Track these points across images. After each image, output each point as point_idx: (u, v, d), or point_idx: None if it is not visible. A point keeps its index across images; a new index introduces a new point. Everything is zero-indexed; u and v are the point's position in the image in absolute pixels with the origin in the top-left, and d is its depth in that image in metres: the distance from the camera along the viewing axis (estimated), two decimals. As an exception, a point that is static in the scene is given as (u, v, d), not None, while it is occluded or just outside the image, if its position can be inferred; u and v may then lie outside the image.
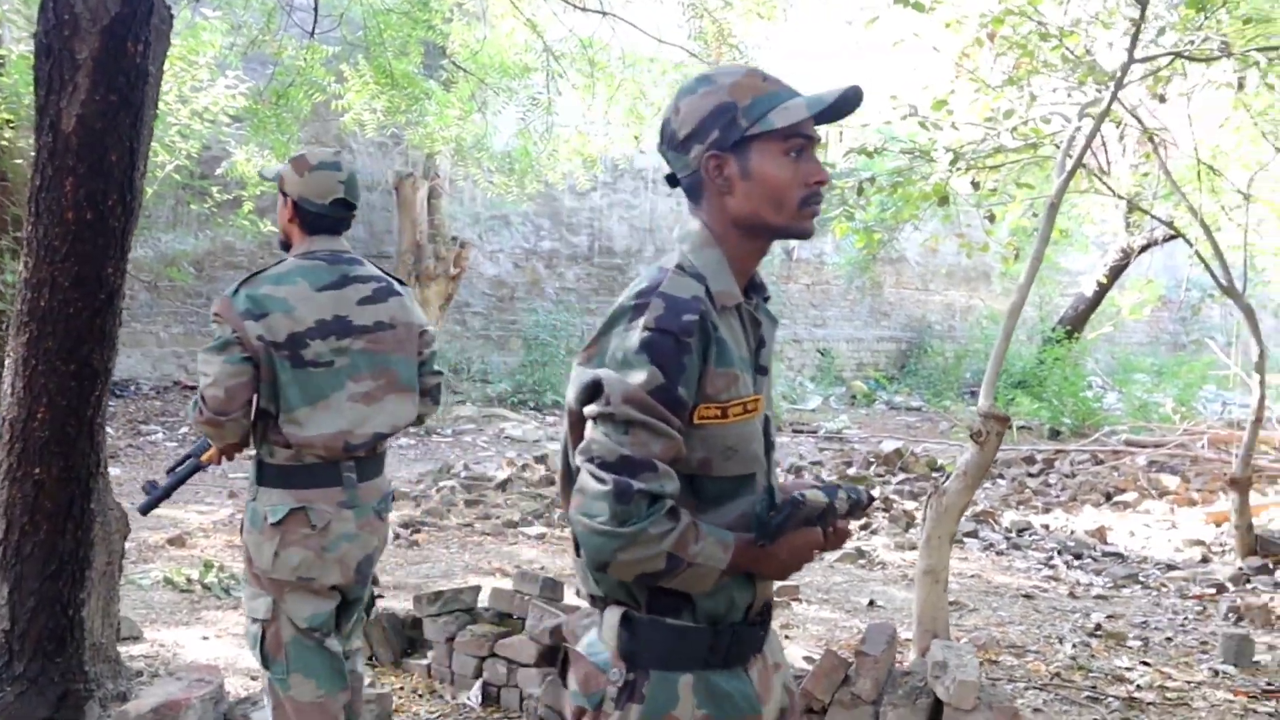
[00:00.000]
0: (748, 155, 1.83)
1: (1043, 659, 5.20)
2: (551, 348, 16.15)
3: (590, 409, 1.73)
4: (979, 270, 20.48)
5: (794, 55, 14.14)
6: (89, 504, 4.08)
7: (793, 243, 19.22)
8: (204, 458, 3.26)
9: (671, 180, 1.96)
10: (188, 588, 5.96)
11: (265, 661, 3.09)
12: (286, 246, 3.21)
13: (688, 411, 1.74)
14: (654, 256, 18.21)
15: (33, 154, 3.86)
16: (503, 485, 9.10)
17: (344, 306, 3.09)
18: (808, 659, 3.94)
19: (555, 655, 4.35)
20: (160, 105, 10.33)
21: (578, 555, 1.89)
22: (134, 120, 3.79)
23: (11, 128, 10.35)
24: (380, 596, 5.72)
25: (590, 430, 1.74)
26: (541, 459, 10.20)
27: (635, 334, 1.73)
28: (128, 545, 6.83)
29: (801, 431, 14.13)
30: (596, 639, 1.88)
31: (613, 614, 1.85)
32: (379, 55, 8.38)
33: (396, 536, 7.38)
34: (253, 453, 3.16)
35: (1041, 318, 18.85)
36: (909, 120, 6.41)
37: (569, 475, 1.88)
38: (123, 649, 4.75)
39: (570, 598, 4.88)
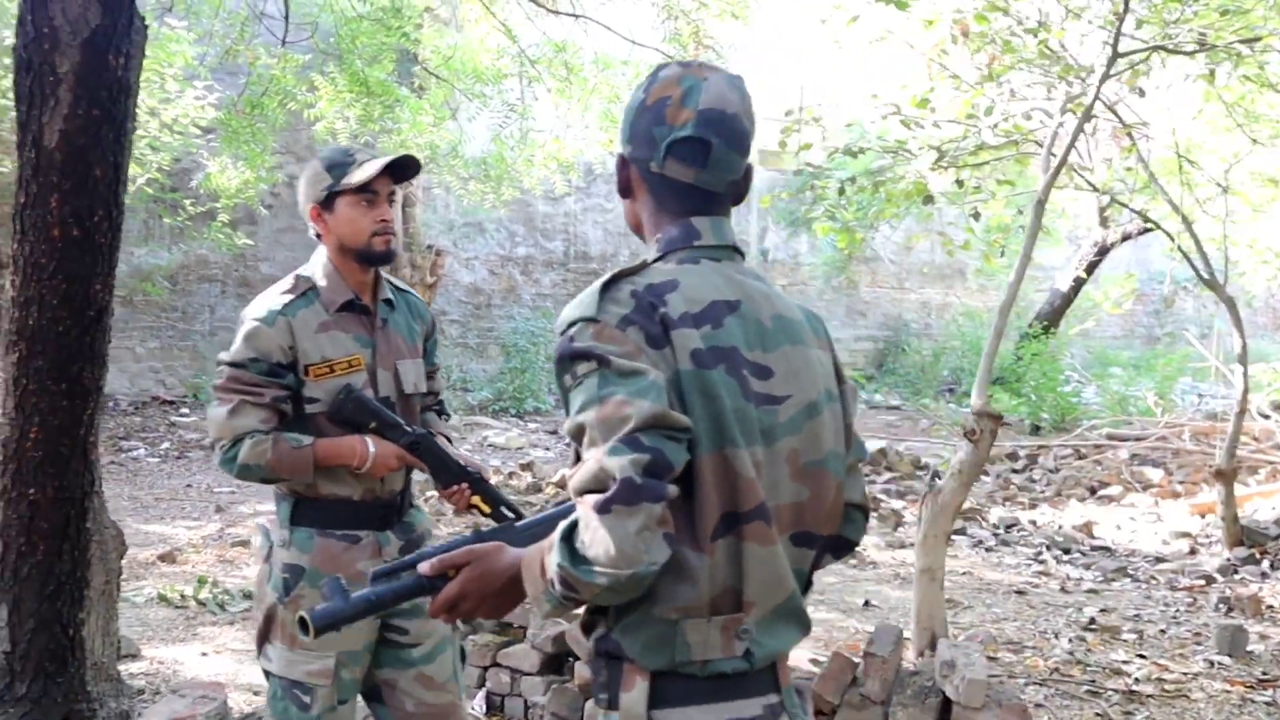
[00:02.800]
0: None
1: (1040, 654, 5.21)
2: (530, 354, 16.10)
3: None
4: (954, 267, 20.55)
5: (769, 54, 14.18)
6: (85, 523, 4.03)
7: (768, 243, 19.28)
8: None
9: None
10: (182, 604, 5.90)
11: None
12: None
13: None
14: (630, 260, 18.12)
15: (15, 170, 3.82)
16: (489, 493, 9.04)
17: None
18: (814, 661, 3.93)
19: (559, 663, 4.33)
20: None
21: None
22: (117, 135, 3.74)
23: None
24: None
25: None
26: (528, 466, 10.16)
27: None
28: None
29: (783, 432, 14.10)
30: None
31: None
32: (351, 63, 8.33)
33: (386, 547, 7.34)
34: None
35: (1017, 313, 18.93)
36: (889, 119, 6.44)
37: None
38: (122, 667, 4.70)
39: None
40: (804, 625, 1.78)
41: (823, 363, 1.83)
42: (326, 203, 2.85)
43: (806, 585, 1.80)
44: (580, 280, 17.85)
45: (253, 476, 2.75)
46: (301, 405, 2.79)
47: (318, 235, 2.90)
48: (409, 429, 2.80)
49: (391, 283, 3.01)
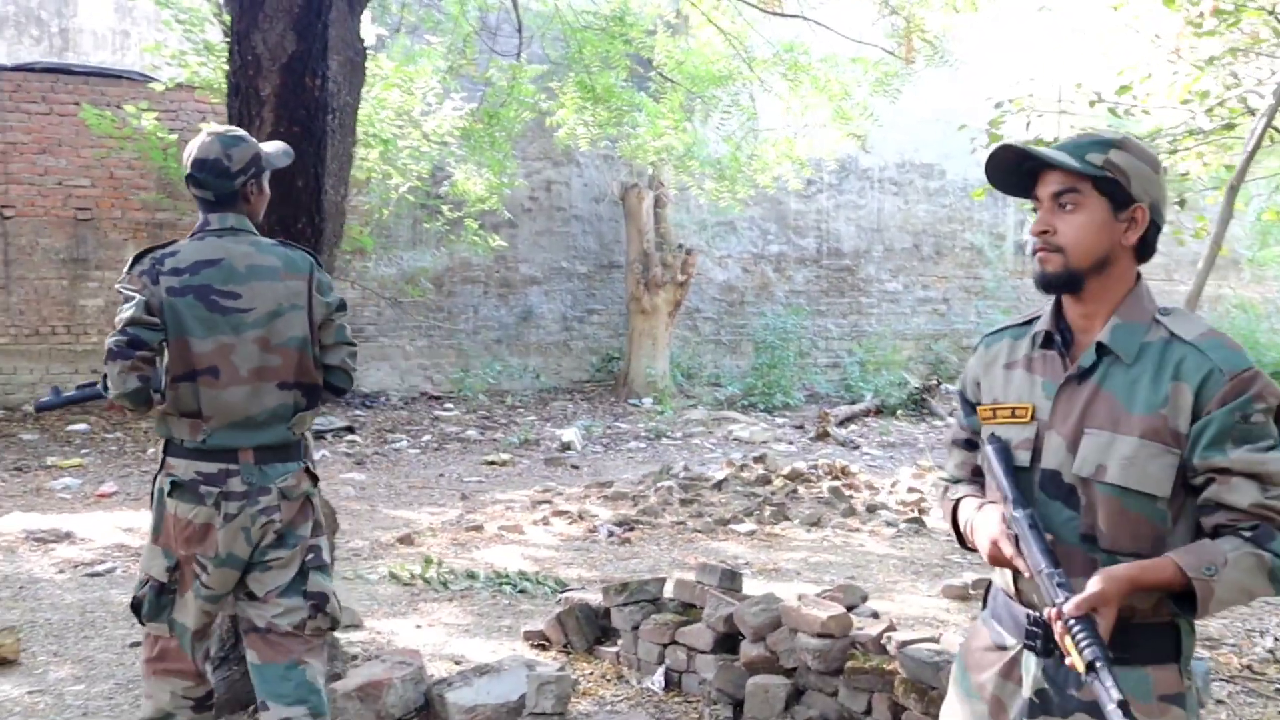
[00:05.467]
0: None
1: (1237, 652, 4.96)
2: (780, 351, 16.21)
3: None
4: (1227, 258, 19.26)
5: (987, 47, 13.69)
6: (300, 502, 4.47)
7: (1025, 237, 18.61)
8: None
9: None
10: (410, 582, 6.37)
11: None
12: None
13: None
14: (883, 257, 18.01)
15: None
16: (719, 485, 9.25)
17: None
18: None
19: (731, 642, 4.47)
20: (393, 130, 11.04)
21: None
22: (316, 149, 4.13)
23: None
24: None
25: None
26: (760, 459, 10.29)
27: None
28: (361, 543, 7.38)
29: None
30: None
31: None
32: (580, 72, 8.70)
33: (610, 534, 7.66)
34: None
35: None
36: (1096, 106, 6.20)
37: None
38: (343, 636, 5.15)
39: (748, 587, 4.99)
40: (261, 433, 3.28)
41: (290, 288, 3.30)
42: None
43: (298, 410, 3.34)
44: (833, 276, 17.80)
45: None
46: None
47: None
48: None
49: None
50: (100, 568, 6.63)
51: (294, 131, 4.05)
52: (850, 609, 4.28)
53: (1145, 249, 2.07)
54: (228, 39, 4.42)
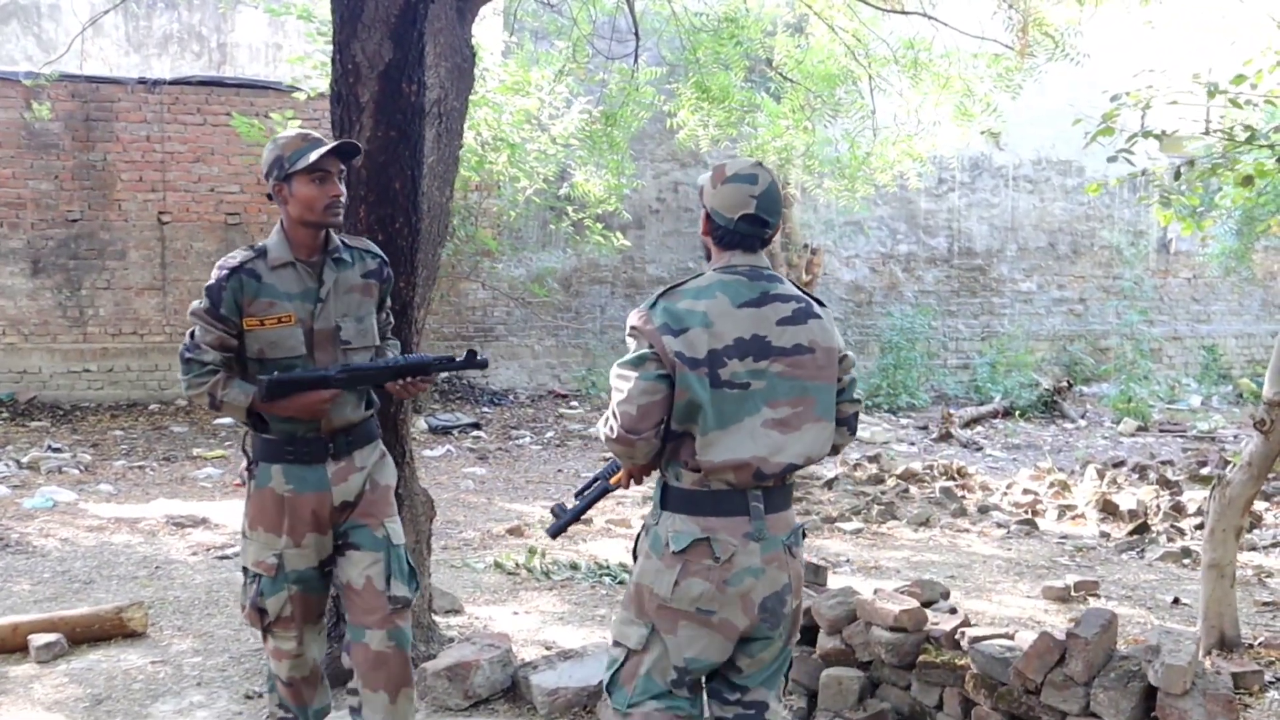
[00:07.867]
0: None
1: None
2: (906, 351, 16.04)
3: None
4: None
5: (1120, 41, 13.30)
6: (398, 490, 4.69)
7: (1170, 234, 18.03)
8: (613, 480, 3.08)
9: None
10: (514, 571, 6.58)
11: (611, 687, 2.96)
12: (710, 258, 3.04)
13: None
14: (1017, 256, 17.67)
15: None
16: (830, 483, 9.27)
17: (763, 326, 2.85)
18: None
19: (809, 634, 4.53)
20: (520, 134, 11.27)
21: None
22: (413, 152, 4.33)
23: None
24: None
25: None
26: (875, 458, 10.26)
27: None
28: (473, 534, 7.62)
29: (1168, 431, 13.30)
30: None
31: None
32: (695, 74, 8.82)
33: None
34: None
35: None
36: (1216, 97, 6.04)
37: None
38: (444, 620, 5.38)
39: (842, 584, 5.03)
40: None
41: None
42: None
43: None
44: (965, 276, 17.55)
45: None
46: None
47: None
48: None
49: None
50: (229, 551, 7.00)
51: (391, 136, 4.26)
52: (929, 604, 4.31)
53: (718, 239, 2.92)
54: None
